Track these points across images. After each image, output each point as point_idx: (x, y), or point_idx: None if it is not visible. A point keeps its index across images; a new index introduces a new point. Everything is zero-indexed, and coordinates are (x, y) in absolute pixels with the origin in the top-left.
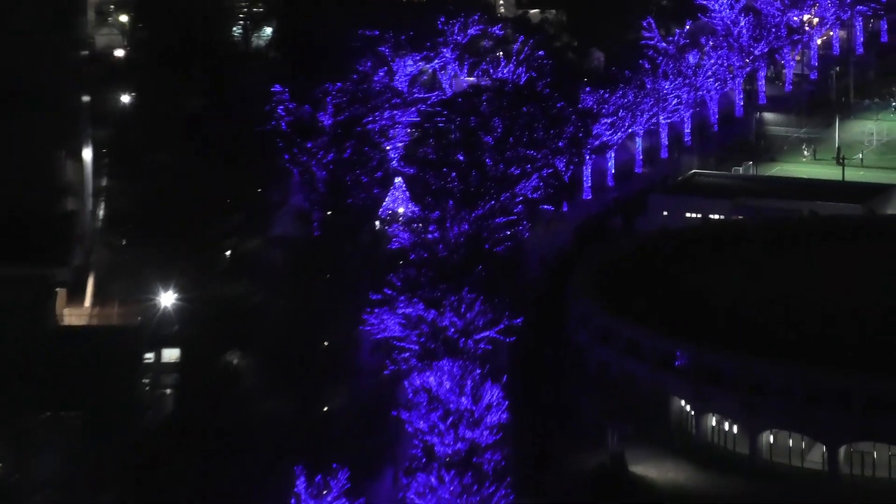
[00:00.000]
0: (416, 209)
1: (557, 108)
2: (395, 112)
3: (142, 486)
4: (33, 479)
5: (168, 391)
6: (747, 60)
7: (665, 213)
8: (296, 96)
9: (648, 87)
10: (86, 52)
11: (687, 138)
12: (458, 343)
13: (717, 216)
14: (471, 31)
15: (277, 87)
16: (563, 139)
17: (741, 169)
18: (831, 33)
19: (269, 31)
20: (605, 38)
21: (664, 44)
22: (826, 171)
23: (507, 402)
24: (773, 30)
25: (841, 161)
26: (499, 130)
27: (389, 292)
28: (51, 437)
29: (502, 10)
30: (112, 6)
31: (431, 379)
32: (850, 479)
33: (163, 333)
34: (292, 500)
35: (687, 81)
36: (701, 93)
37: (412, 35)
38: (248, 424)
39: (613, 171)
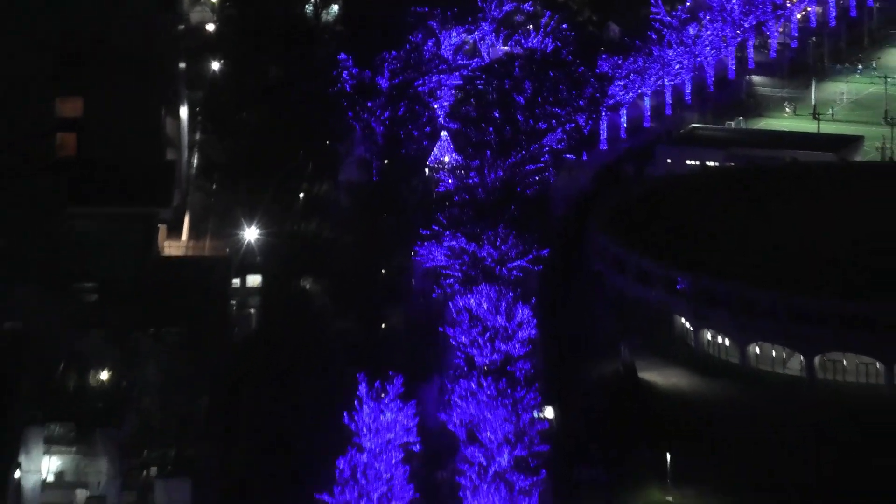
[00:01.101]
0: (459, 158)
1: (578, 72)
2: (442, 76)
3: (231, 392)
4: (140, 385)
5: (252, 311)
6: (738, 32)
7: (669, 161)
8: (358, 63)
9: (655, 54)
10: (182, 27)
11: (687, 98)
12: (495, 271)
13: (713, 163)
14: (505, 8)
15: (343, 56)
16: (583, 99)
17: (733, 123)
18: (809, 9)
19: (335, 8)
20: (620, 13)
21: (669, 18)
22: (804, 125)
23: (535, 321)
24: (760, 5)
25: (817, 116)
26: (528, 92)
27: (437, 228)
28: (154, 351)
29: None
30: None
31: (472, 301)
32: (823, 384)
33: (247, 263)
34: (356, 403)
35: (687, 50)
36: (699, 59)
37: (456, 11)
38: (319, 339)
39: (626, 126)
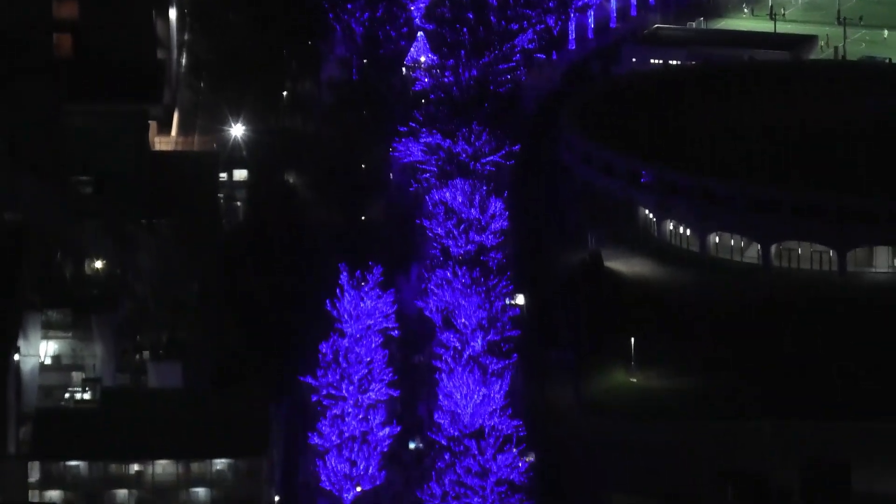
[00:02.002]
0: (435, 58)
1: None
2: None
3: (221, 280)
4: (134, 273)
5: (239, 204)
6: None
7: (634, 60)
8: None
9: None
10: None
11: (651, 0)
12: (469, 165)
13: (675, 62)
14: None
15: None
16: (553, 0)
17: (694, 24)
18: None
19: None
20: None
21: None
22: (761, 25)
23: (507, 213)
24: None
25: (773, 17)
26: None
27: (414, 125)
28: (147, 240)
29: None
30: None
31: (447, 194)
32: (779, 270)
33: (234, 158)
34: (337, 291)
35: None
36: None
37: None
38: (303, 230)
39: (593, 27)
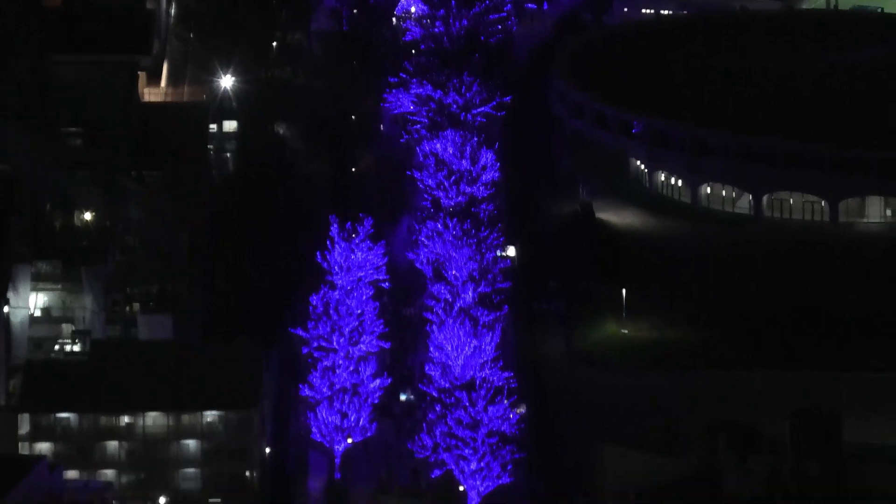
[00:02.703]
0: (426, 8)
1: None
2: None
3: (211, 231)
4: (124, 224)
5: (229, 155)
6: None
7: (626, 10)
8: None
9: None
10: None
11: None
12: (460, 117)
13: (667, 12)
14: None
15: None
16: None
17: None
18: None
19: None
20: None
21: None
22: None
23: (498, 164)
24: None
25: None
26: None
27: (404, 76)
28: (137, 191)
29: None
30: None
31: (438, 146)
32: (770, 221)
33: (224, 109)
34: (327, 243)
35: None
36: None
37: None
38: (292, 181)
39: None
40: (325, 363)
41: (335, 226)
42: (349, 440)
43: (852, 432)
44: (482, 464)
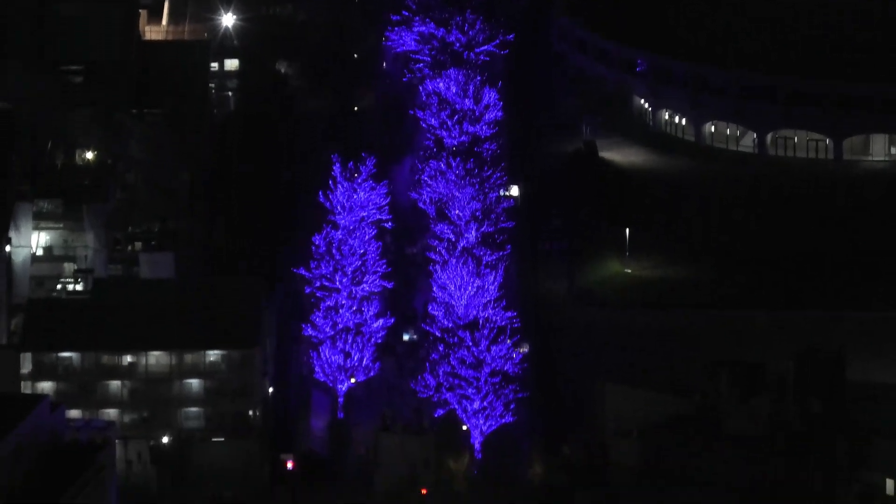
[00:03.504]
0: None
1: None
2: None
3: (213, 169)
4: (125, 163)
5: (230, 93)
6: None
7: None
8: None
9: None
10: None
11: None
12: (463, 55)
13: None
14: None
15: None
16: None
17: None
18: None
19: None
20: None
21: None
22: None
23: (501, 103)
24: None
25: None
26: None
27: (406, 14)
28: (138, 130)
29: None
30: None
31: (441, 84)
32: (774, 159)
33: (225, 47)
34: (330, 183)
35: None
36: None
37: None
38: (295, 120)
39: None
40: (328, 303)
41: (337, 165)
42: (352, 380)
43: (855, 371)
44: (485, 403)
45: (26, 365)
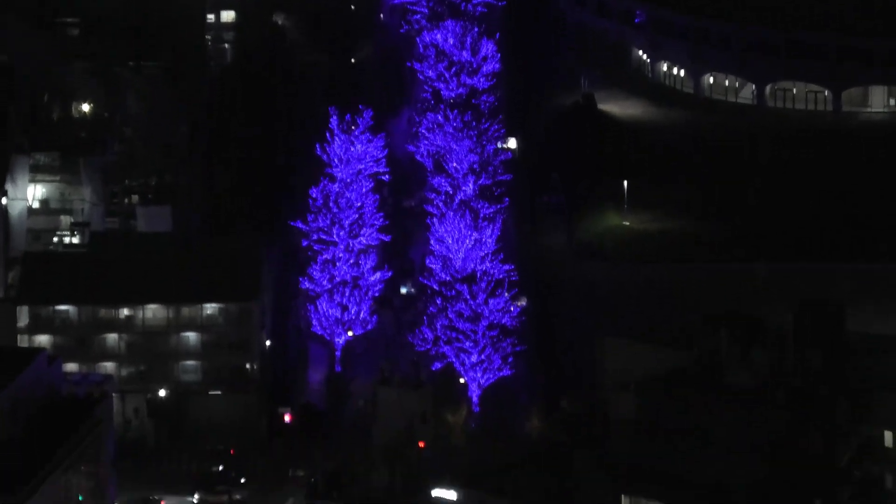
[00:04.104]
0: None
1: None
2: None
3: (210, 122)
4: (122, 116)
5: (227, 45)
6: None
7: None
8: None
9: None
10: None
11: None
12: (460, 7)
13: None
14: None
15: None
16: None
17: None
18: None
19: None
20: None
21: None
22: None
23: (499, 55)
24: None
25: None
26: None
27: None
28: (135, 82)
29: None
30: None
31: (438, 36)
32: (773, 110)
33: None
34: (327, 134)
35: None
36: None
37: None
38: (291, 72)
39: None
40: (326, 256)
41: (335, 118)
42: (349, 333)
43: (855, 324)
44: (483, 356)
45: (23, 318)
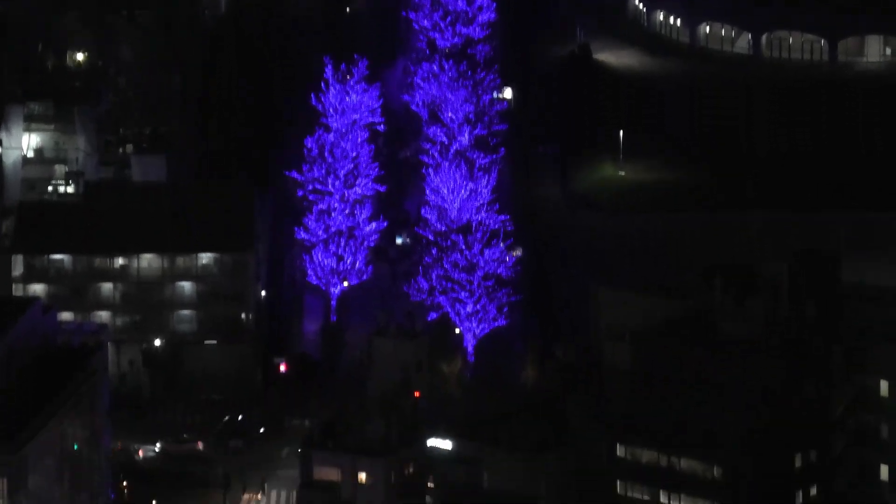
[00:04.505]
0: None
1: None
2: None
3: (204, 71)
4: (116, 65)
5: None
6: None
7: None
8: None
9: None
10: None
11: None
12: None
13: None
14: None
15: None
16: None
17: None
18: None
19: None
20: None
21: None
22: None
23: (494, 4)
24: None
25: None
26: None
27: None
28: (129, 32)
29: None
30: None
31: None
32: (769, 60)
33: None
34: (322, 85)
35: None
36: None
37: None
38: (286, 21)
39: None
40: (321, 206)
41: (329, 67)
42: (345, 283)
43: (850, 273)
44: (478, 306)
45: (17, 267)
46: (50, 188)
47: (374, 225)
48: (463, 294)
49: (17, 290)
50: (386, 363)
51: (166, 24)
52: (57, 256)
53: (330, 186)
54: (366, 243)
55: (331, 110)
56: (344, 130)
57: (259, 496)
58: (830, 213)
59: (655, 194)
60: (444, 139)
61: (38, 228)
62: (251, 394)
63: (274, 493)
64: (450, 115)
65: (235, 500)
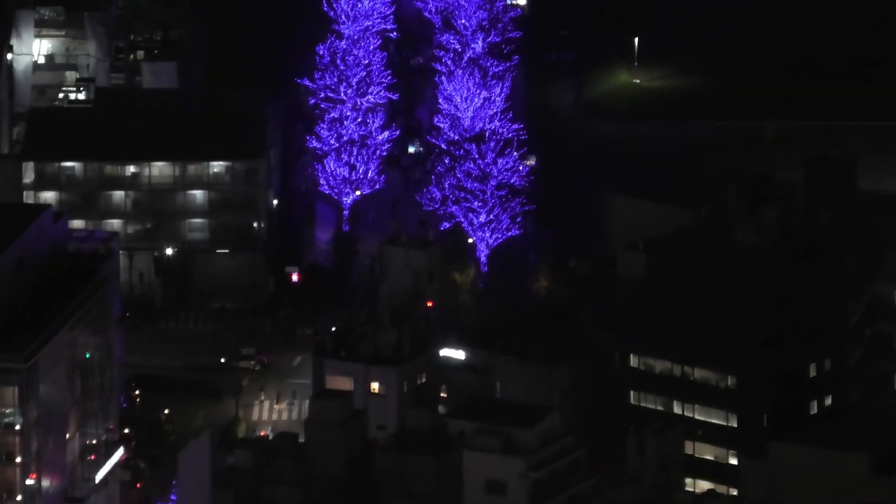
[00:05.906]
0: None
1: None
2: None
3: None
4: None
5: None
6: None
7: None
8: None
9: None
10: None
11: None
12: None
13: None
14: None
15: None
16: None
17: None
18: None
19: None
20: None
21: None
22: None
23: None
24: None
25: None
26: None
27: None
28: None
29: None
30: None
31: None
32: None
33: None
34: None
35: None
36: None
37: None
38: None
39: None
40: (333, 114)
41: None
42: (357, 192)
43: (866, 181)
44: (491, 216)
45: (28, 174)
46: (61, 94)
47: (386, 133)
48: (476, 203)
49: (28, 197)
50: (398, 272)
51: None
52: (68, 163)
53: (342, 94)
54: (378, 152)
55: (343, 17)
56: (356, 37)
57: (278, 404)
58: (846, 121)
59: (670, 101)
60: (458, 46)
61: (48, 135)
62: (262, 303)
63: (286, 402)
64: (463, 21)
65: (248, 407)
